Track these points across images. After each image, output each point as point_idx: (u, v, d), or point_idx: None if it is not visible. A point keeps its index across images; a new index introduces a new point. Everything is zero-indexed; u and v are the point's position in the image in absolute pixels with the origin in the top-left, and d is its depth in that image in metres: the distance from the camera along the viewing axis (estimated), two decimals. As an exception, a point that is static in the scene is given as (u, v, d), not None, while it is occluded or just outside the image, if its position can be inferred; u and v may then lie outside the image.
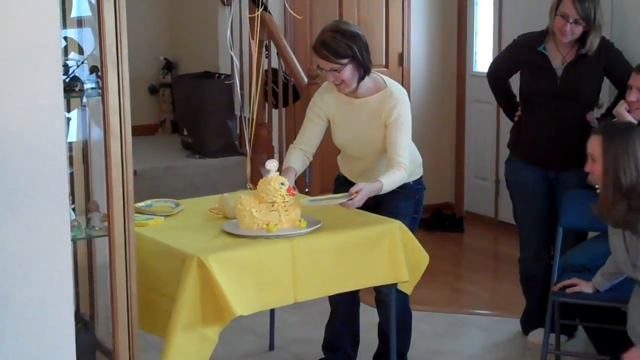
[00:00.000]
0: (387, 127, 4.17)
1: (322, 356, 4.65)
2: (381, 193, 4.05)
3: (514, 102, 5.04)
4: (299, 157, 4.33)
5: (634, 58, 4.77)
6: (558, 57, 4.71)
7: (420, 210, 4.44)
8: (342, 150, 4.48)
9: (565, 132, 4.71)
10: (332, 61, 4.09)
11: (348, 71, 4.11)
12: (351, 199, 3.91)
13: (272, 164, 3.90)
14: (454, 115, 7.75)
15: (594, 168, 3.76)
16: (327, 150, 4.75)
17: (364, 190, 3.94)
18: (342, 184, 4.36)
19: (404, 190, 4.23)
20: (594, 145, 3.75)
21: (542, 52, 4.71)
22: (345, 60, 4.09)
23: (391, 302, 4.14)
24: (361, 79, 4.17)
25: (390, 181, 4.06)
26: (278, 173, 3.91)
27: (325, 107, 4.33)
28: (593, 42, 4.62)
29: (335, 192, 4.33)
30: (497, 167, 7.28)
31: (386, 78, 4.31)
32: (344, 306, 4.53)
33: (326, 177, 5.89)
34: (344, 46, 4.07)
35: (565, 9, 4.58)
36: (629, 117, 4.33)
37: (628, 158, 3.63)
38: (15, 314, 2.67)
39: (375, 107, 4.21)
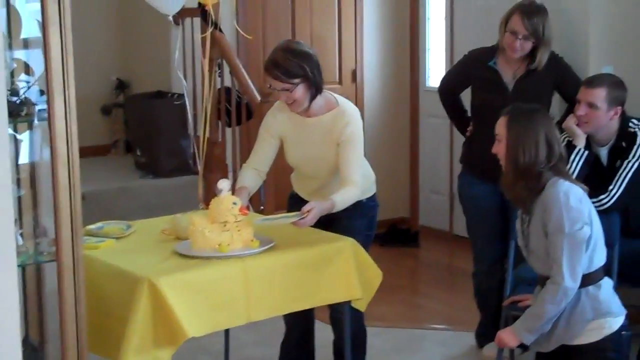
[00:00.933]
0: (340, 145, 4.18)
1: None
2: (334, 211, 4.07)
3: (466, 117, 5.08)
4: (252, 176, 4.33)
5: (581, 72, 4.84)
6: (509, 72, 4.75)
7: (373, 227, 4.46)
8: (295, 169, 4.49)
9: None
10: (284, 81, 4.09)
11: (300, 91, 4.12)
12: (303, 218, 3.92)
13: (224, 184, 3.89)
14: (407, 131, 7.79)
15: (499, 148, 3.79)
16: (281, 168, 4.75)
17: (316, 208, 3.95)
18: (296, 202, 4.37)
19: (357, 207, 4.24)
20: (500, 126, 3.79)
21: (493, 67, 4.75)
22: (297, 80, 4.10)
23: (346, 319, 4.14)
24: (313, 98, 4.18)
25: (342, 199, 4.08)
26: (230, 192, 3.91)
27: (277, 126, 4.33)
28: (542, 57, 4.67)
29: (289, 210, 4.35)
30: (451, 182, 7.33)
31: (338, 96, 4.33)
32: (298, 324, 4.53)
33: (281, 195, 5.88)
34: (295, 66, 4.08)
35: (514, 25, 4.62)
36: (578, 131, 4.39)
37: (528, 138, 3.64)
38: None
39: (328, 125, 4.23)
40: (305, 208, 3.95)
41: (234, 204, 3.83)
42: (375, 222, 4.48)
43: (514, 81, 4.74)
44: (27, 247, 3.19)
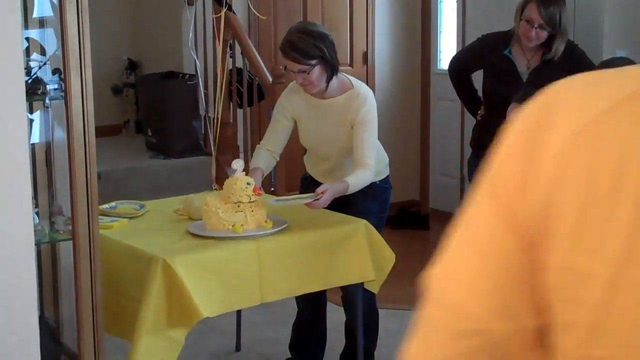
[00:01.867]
0: (354, 127, 4.17)
1: (289, 356, 4.65)
2: (347, 193, 4.06)
3: (476, 97, 5.04)
4: (266, 157, 4.33)
5: (595, 56, 4.82)
6: (523, 62, 4.71)
7: (386, 209, 4.46)
8: (308, 150, 4.48)
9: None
10: (301, 62, 4.07)
11: (316, 72, 4.10)
12: (317, 199, 3.92)
13: (238, 164, 3.88)
14: (418, 113, 7.78)
15: None
16: (293, 150, 4.75)
17: (330, 190, 3.94)
18: (309, 184, 4.37)
19: (370, 189, 4.23)
20: (513, 112, 3.78)
21: (508, 56, 4.71)
22: (313, 62, 4.08)
23: (358, 301, 4.15)
24: (329, 79, 4.17)
25: (356, 181, 4.07)
26: (244, 173, 3.91)
27: (291, 108, 4.33)
28: (559, 47, 4.61)
29: (301, 192, 4.34)
30: (462, 165, 7.31)
31: (353, 78, 4.32)
32: (310, 306, 4.54)
33: (292, 177, 5.89)
34: (312, 47, 4.06)
35: (530, 14, 4.56)
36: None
37: None
38: (-22, 320, 2.65)
39: (342, 107, 4.22)
40: (320, 189, 3.94)
41: (248, 184, 3.83)
42: (389, 205, 4.48)
43: (528, 71, 4.70)
44: (43, 226, 3.20)
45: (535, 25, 4.54)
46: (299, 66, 4.08)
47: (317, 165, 4.43)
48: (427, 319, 1.06)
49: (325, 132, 4.28)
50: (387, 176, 4.44)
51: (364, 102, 4.18)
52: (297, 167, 4.63)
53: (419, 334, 1.08)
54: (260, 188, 4.00)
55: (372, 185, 4.23)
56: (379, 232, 4.14)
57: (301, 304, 4.57)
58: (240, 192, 3.80)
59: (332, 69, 4.16)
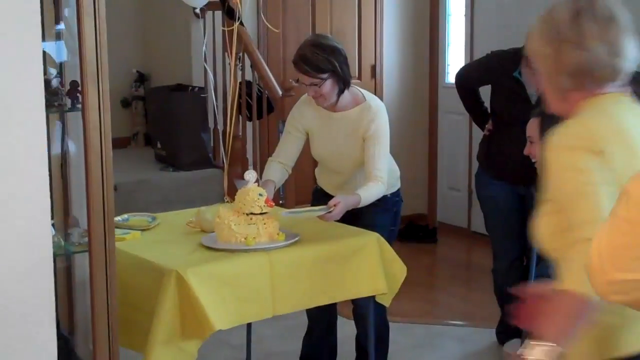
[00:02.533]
0: (365, 140, 4.19)
1: None
2: (359, 206, 4.08)
3: (484, 110, 5.04)
4: (278, 170, 4.34)
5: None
6: (533, 83, 4.69)
7: (397, 222, 4.48)
8: (320, 163, 4.49)
9: (537, 153, 4.72)
10: (313, 76, 4.11)
11: (328, 85, 4.14)
12: (329, 212, 3.92)
13: (250, 175, 3.89)
14: (426, 127, 7.79)
15: (532, 149, 3.79)
16: (301, 162, 4.75)
17: (342, 203, 3.96)
18: (321, 197, 4.38)
19: (381, 202, 4.24)
20: (532, 127, 3.78)
21: (517, 78, 4.70)
22: (325, 75, 4.12)
23: (369, 314, 4.15)
24: (340, 92, 4.20)
25: (368, 194, 4.09)
26: (257, 184, 3.91)
27: (303, 121, 4.35)
28: None
29: (313, 205, 4.36)
30: (469, 178, 7.32)
31: (365, 91, 4.35)
32: (321, 319, 4.54)
33: (300, 190, 5.91)
34: (324, 61, 4.10)
35: None
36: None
37: None
38: (-4, 332, 2.66)
39: (354, 120, 4.24)
40: (332, 202, 3.96)
41: (260, 195, 3.82)
42: (400, 218, 4.50)
43: (537, 92, 4.69)
44: (59, 238, 3.20)
45: None
46: (311, 79, 4.12)
47: (328, 178, 4.44)
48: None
49: (337, 145, 4.30)
50: (398, 189, 4.46)
51: (376, 116, 4.21)
52: (306, 180, 4.65)
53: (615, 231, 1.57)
54: (271, 200, 4.00)
55: (383, 199, 4.25)
56: (390, 244, 4.13)
57: (312, 318, 4.57)
58: (252, 203, 3.80)
59: (343, 83, 4.19)
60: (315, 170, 4.56)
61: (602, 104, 2.34)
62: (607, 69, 2.30)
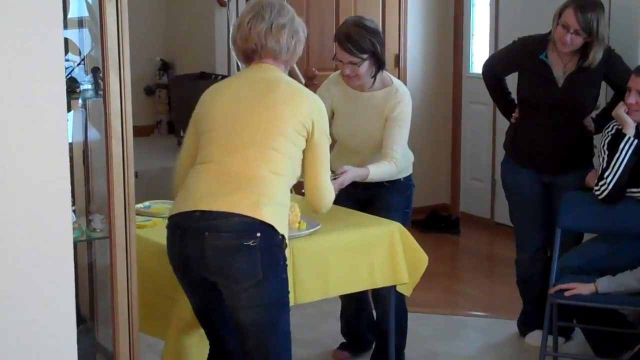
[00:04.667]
0: (387, 121, 4.28)
1: (343, 340, 4.79)
2: (367, 180, 4.16)
3: (510, 100, 5.02)
4: None
5: (632, 60, 4.78)
6: (559, 66, 4.67)
7: (410, 205, 4.54)
8: (338, 144, 4.51)
9: (563, 138, 4.70)
10: (354, 54, 4.20)
11: (366, 66, 4.23)
12: (335, 178, 3.98)
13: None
14: (450, 117, 7.76)
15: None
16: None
17: (349, 172, 4.07)
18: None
19: (396, 186, 4.35)
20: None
21: (544, 60, 4.68)
22: (365, 55, 4.21)
23: (391, 303, 4.15)
24: (375, 74, 4.29)
25: (378, 171, 4.19)
26: None
27: (330, 98, 4.39)
28: (596, 55, 4.54)
29: None
30: (493, 169, 7.29)
31: (392, 76, 4.44)
32: (351, 297, 4.54)
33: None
34: (367, 41, 4.20)
35: (567, 19, 4.52)
36: (628, 119, 4.34)
37: None
38: (16, 317, 2.66)
39: (380, 102, 4.32)
40: (339, 170, 4.05)
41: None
42: (412, 201, 4.56)
43: (564, 76, 4.66)
44: (80, 224, 3.21)
45: (571, 31, 4.50)
46: (351, 57, 4.21)
47: (345, 159, 4.42)
48: None
49: (359, 124, 4.36)
50: (411, 174, 4.53)
51: (402, 99, 4.30)
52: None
53: None
54: None
55: (397, 182, 4.36)
56: (406, 227, 4.20)
57: (344, 299, 4.61)
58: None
59: (379, 65, 4.28)
60: (331, 153, 4.56)
61: None
62: None
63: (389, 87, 4.35)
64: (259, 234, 3.19)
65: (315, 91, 4.51)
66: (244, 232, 3.17)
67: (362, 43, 4.18)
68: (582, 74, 4.62)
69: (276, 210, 3.27)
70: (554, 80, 4.66)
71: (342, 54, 4.24)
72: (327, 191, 3.50)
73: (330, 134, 3.64)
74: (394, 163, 4.22)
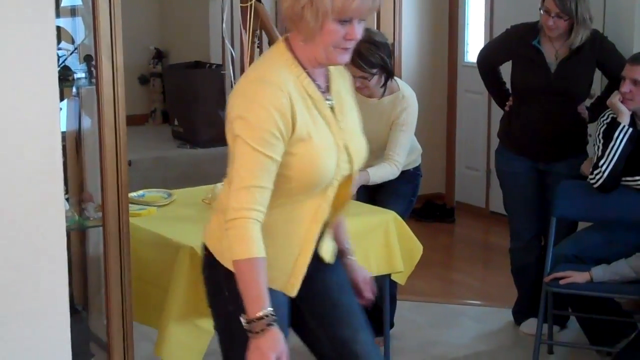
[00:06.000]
0: (393, 125, 4.41)
1: None
2: (369, 184, 4.28)
3: (504, 90, 5.03)
4: None
5: (627, 49, 4.78)
6: (551, 52, 4.69)
7: (416, 194, 4.70)
8: None
9: (557, 125, 4.71)
10: (365, 70, 4.32)
11: (376, 79, 4.37)
12: None
13: None
14: (445, 106, 7.74)
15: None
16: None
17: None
18: None
19: (404, 174, 4.46)
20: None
21: (537, 46, 4.69)
22: (375, 70, 4.34)
23: (385, 292, 4.16)
24: (384, 84, 4.41)
25: (377, 173, 4.31)
26: None
27: None
28: (577, 36, 4.60)
29: None
30: (488, 158, 7.28)
31: (399, 81, 4.56)
32: None
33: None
34: (377, 58, 4.32)
35: (547, 3, 4.60)
36: (623, 108, 4.34)
37: None
38: (9, 305, 2.66)
39: (387, 108, 4.44)
40: None
41: None
42: (418, 190, 4.71)
43: (557, 62, 4.68)
44: (73, 212, 3.20)
45: (552, 15, 4.57)
46: (362, 73, 4.32)
47: None
48: None
49: (366, 129, 4.34)
50: (419, 165, 4.67)
51: (408, 106, 4.44)
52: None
53: None
54: None
55: (406, 171, 4.48)
56: (408, 214, 4.43)
57: None
58: None
59: (388, 75, 4.40)
60: None
61: None
62: None
63: (395, 93, 4.46)
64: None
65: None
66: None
67: (372, 59, 4.30)
68: (574, 60, 4.64)
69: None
70: (546, 65, 4.67)
71: (352, 69, 4.31)
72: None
73: None
74: (395, 166, 4.35)
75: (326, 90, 2.65)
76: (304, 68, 2.57)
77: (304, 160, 2.53)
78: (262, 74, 2.54)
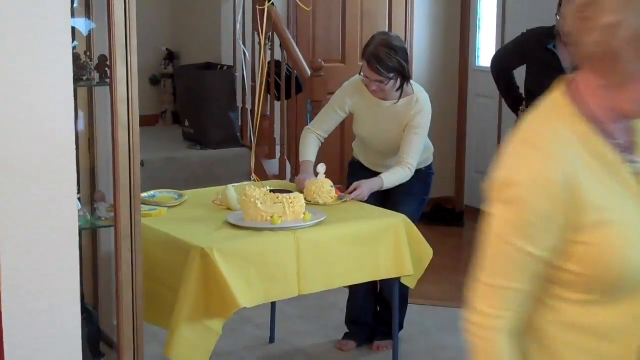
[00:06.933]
0: (407, 128, 4.43)
1: (346, 330, 4.79)
2: (383, 189, 4.33)
3: (518, 95, 5.03)
4: (315, 144, 4.58)
5: None
6: (567, 56, 4.69)
7: (428, 192, 4.75)
8: (358, 138, 4.71)
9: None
10: (382, 75, 4.34)
11: (392, 83, 4.38)
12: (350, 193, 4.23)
13: (322, 168, 4.22)
14: (455, 110, 7.74)
15: None
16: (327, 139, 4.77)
17: (364, 186, 4.26)
18: (358, 169, 4.69)
19: (417, 173, 4.47)
20: None
21: (552, 50, 4.69)
22: (392, 75, 4.35)
23: (395, 295, 4.18)
24: (400, 88, 4.42)
25: (392, 178, 4.36)
26: (325, 175, 4.20)
27: (352, 105, 4.57)
28: None
29: (350, 176, 4.66)
30: (498, 162, 7.26)
31: (414, 84, 4.56)
32: (362, 287, 4.55)
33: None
34: (395, 62, 4.35)
35: (563, 9, 4.59)
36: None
37: None
38: (22, 304, 2.66)
39: (401, 111, 4.46)
40: (351, 189, 4.26)
41: (332, 186, 4.16)
42: (430, 188, 4.76)
43: (572, 66, 4.68)
44: (85, 212, 3.21)
45: None
46: (379, 77, 4.35)
47: (366, 154, 4.68)
48: None
49: (379, 130, 4.52)
50: (432, 163, 4.73)
51: (422, 109, 4.47)
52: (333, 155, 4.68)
53: None
54: (339, 189, 4.33)
55: (419, 170, 4.50)
56: (420, 212, 4.52)
57: (353, 286, 4.64)
58: (327, 194, 4.12)
59: (404, 80, 4.42)
60: (353, 143, 4.79)
61: None
62: None
63: (409, 96, 4.47)
64: None
65: (324, 86, 4.57)
66: None
67: (390, 63, 4.32)
68: None
69: None
70: (562, 69, 4.67)
71: (369, 73, 4.37)
72: None
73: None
74: (408, 169, 4.38)
75: (629, 147, 1.88)
76: (596, 122, 1.85)
77: (599, 250, 1.78)
78: (530, 135, 1.90)
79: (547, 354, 1.87)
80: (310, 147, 4.53)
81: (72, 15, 3.37)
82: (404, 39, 7.42)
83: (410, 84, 4.49)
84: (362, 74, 4.42)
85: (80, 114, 3.63)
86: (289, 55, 6.20)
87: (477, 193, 7.51)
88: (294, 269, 3.68)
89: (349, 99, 4.54)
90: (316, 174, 4.23)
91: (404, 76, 4.39)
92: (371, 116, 4.51)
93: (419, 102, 4.46)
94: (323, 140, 4.61)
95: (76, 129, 3.62)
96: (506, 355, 1.85)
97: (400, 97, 4.43)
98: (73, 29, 3.46)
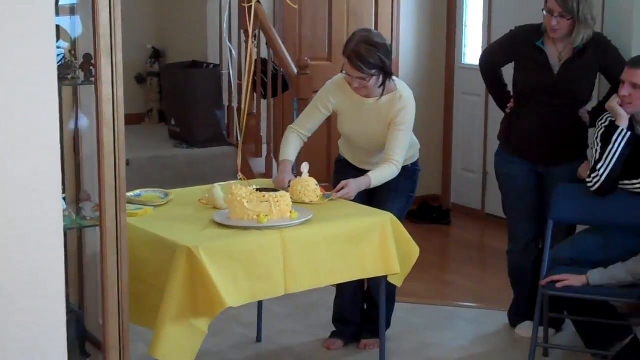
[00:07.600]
0: (391, 125, 4.42)
1: (333, 329, 4.79)
2: (371, 187, 4.32)
3: (506, 92, 5.02)
4: (296, 143, 4.56)
5: (625, 52, 4.77)
6: (555, 54, 4.69)
7: (415, 189, 4.72)
8: (343, 136, 4.69)
9: (557, 128, 4.70)
10: (363, 72, 4.34)
11: (374, 80, 4.38)
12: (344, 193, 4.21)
13: (306, 167, 4.22)
14: (442, 108, 7.74)
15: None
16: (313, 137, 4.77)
17: (351, 184, 4.24)
18: (344, 166, 4.68)
19: (403, 170, 4.46)
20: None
21: (540, 47, 4.69)
22: (374, 71, 4.34)
23: (382, 293, 4.18)
24: (382, 84, 4.41)
25: (379, 175, 4.35)
26: (309, 174, 4.19)
27: (335, 103, 4.55)
28: (578, 35, 4.60)
29: (337, 174, 4.64)
30: (484, 160, 7.28)
31: (397, 80, 4.55)
32: (349, 286, 4.55)
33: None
34: (377, 59, 4.34)
35: (550, 4, 4.60)
36: (621, 111, 4.33)
37: None
38: (6, 304, 2.65)
39: (384, 108, 4.45)
40: (338, 187, 4.24)
41: (316, 185, 4.15)
42: (417, 185, 4.73)
43: (560, 64, 4.67)
44: (70, 212, 3.19)
45: (555, 14, 4.57)
46: (360, 74, 4.34)
47: (352, 151, 4.67)
48: None
49: (364, 128, 4.51)
50: (418, 159, 4.71)
51: (406, 105, 4.45)
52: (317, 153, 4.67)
53: None
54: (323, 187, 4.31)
55: (405, 167, 4.48)
56: (407, 210, 4.52)
57: (340, 285, 4.63)
58: (312, 193, 4.11)
59: (386, 76, 4.41)
60: (339, 141, 4.79)
61: None
62: None
63: (393, 92, 4.46)
64: None
65: (310, 84, 4.56)
66: None
67: (371, 60, 4.31)
68: (577, 62, 4.64)
69: None
70: (549, 67, 4.67)
71: (351, 70, 4.36)
72: None
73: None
74: (395, 166, 4.37)
75: None
76: None
77: None
78: None
79: None
80: (290, 146, 4.52)
81: (57, 14, 3.36)
82: (390, 37, 7.46)
83: (393, 80, 4.48)
84: (344, 71, 4.41)
85: (81, 114, 3.62)
86: (276, 53, 6.19)
87: (464, 191, 7.57)
88: (281, 267, 3.67)
89: (332, 97, 4.53)
90: (300, 173, 4.21)
91: (386, 72, 4.38)
92: (355, 114, 4.49)
93: (403, 98, 4.45)
94: (306, 140, 4.60)
95: (76, 128, 3.64)
96: None
97: (382, 94, 4.42)
98: (58, 27, 3.45)
